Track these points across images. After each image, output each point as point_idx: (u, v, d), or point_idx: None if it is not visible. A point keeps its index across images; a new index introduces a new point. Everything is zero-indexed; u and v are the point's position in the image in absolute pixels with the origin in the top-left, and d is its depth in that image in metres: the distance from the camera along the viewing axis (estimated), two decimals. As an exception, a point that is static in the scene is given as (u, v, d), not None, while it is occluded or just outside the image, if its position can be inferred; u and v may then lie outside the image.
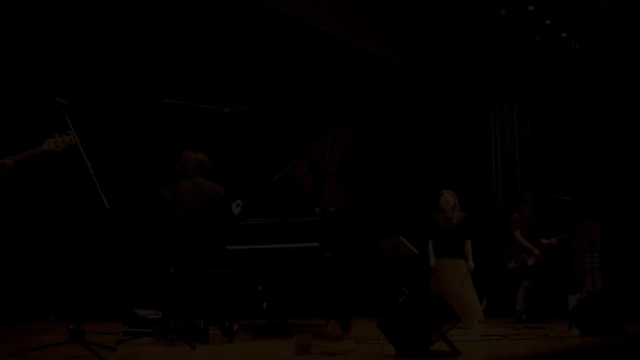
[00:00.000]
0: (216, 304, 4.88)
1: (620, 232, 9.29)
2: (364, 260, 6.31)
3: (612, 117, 9.56)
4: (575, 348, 4.85)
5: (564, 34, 9.25)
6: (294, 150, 5.98)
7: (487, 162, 9.93)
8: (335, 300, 5.66)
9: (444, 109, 10.24)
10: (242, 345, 4.78)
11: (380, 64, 9.99)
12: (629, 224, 9.23)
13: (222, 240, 5.24)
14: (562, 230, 7.96)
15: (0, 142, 4.81)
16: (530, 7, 8.73)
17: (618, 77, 9.47)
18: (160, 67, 7.61)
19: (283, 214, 5.71)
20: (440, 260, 6.92)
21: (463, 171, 10.00)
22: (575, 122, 9.74)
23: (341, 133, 5.92)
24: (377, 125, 9.87)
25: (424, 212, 7.13)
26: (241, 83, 7.95)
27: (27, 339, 4.92)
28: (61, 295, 6.59)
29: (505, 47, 9.49)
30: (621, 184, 9.39)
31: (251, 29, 8.31)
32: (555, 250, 8.04)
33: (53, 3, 6.94)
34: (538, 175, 9.68)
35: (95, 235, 7.08)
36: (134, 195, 6.75)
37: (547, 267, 8.01)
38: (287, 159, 5.92)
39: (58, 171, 6.17)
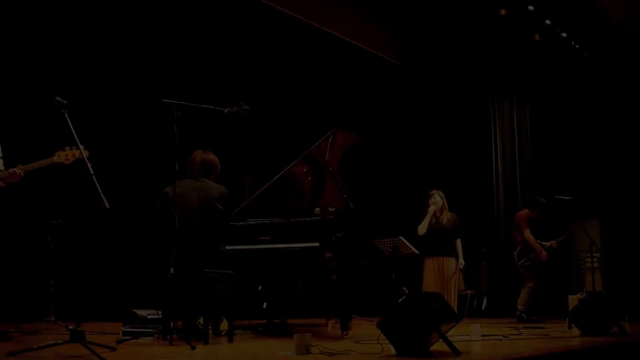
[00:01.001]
0: (216, 304, 4.88)
1: (620, 232, 9.30)
2: (364, 260, 6.31)
3: (611, 116, 9.57)
4: (575, 348, 4.85)
5: (564, 34, 9.26)
6: (294, 150, 5.97)
7: (487, 162, 9.93)
8: (335, 300, 5.65)
9: (444, 109, 10.25)
10: (242, 345, 4.77)
11: (381, 64, 10.00)
12: (629, 223, 9.23)
13: (222, 240, 5.24)
14: (561, 230, 7.96)
15: (0, 143, 4.82)
16: (530, 7, 8.74)
17: (618, 76, 9.48)
18: (160, 67, 7.61)
19: (283, 214, 5.71)
20: (430, 259, 6.98)
21: (463, 171, 10.01)
22: (575, 122, 9.75)
23: (341, 133, 5.92)
24: (378, 125, 9.87)
25: (423, 212, 7.14)
26: (241, 83, 7.94)
27: (27, 339, 4.91)
28: (61, 295, 6.58)
29: (505, 47, 9.50)
30: (621, 184, 9.40)
31: (251, 29, 8.31)
32: (555, 250, 8.05)
33: (53, 3, 6.94)
34: (538, 175, 9.68)
35: (95, 235, 7.07)
36: (133, 195, 6.75)
37: (547, 267, 8.02)
38: (287, 159, 5.91)
39: (58, 171, 6.16)
